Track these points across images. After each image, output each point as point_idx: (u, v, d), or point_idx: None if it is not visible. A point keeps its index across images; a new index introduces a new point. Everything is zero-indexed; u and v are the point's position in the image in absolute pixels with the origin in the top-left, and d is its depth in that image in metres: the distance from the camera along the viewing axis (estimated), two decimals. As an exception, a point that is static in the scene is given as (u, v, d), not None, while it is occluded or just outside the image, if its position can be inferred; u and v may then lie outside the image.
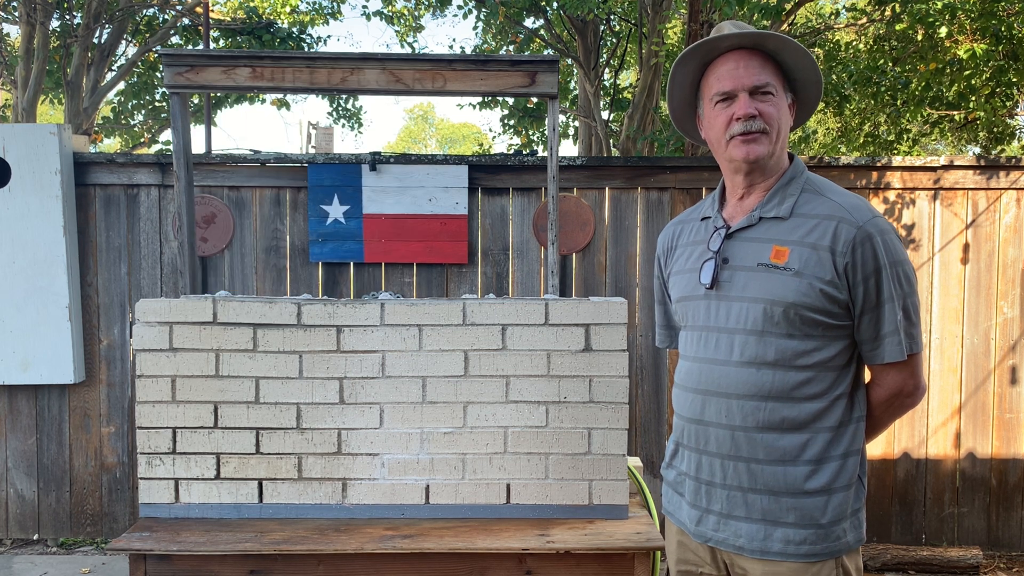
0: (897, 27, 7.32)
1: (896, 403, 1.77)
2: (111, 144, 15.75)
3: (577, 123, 11.81)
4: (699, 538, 1.86)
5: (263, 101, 13.17)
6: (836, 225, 1.68)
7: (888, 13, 7.49)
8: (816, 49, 9.86)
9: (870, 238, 1.66)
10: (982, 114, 7.47)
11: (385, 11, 11.78)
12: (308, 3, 12.15)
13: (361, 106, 12.98)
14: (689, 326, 1.88)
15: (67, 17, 9.69)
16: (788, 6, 6.30)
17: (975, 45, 6.59)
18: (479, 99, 11.34)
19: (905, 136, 9.68)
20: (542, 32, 11.04)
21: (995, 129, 8.90)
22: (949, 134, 10.35)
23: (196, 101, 7.98)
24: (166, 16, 10.73)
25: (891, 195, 4.28)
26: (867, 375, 1.81)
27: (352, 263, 4.29)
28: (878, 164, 4.25)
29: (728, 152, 1.77)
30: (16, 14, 9.38)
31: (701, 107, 1.85)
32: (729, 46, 1.76)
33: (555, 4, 9.35)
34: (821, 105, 9.43)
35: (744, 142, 1.73)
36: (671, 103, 1.91)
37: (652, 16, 8.53)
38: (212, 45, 9.91)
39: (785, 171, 1.79)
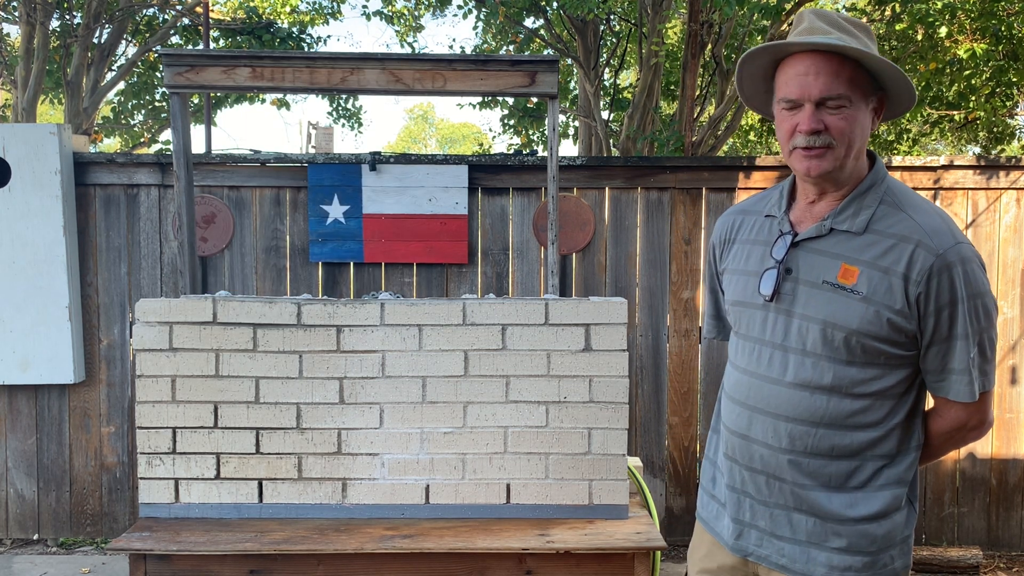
0: (897, 27, 7.32)
1: (958, 436, 1.69)
2: (111, 144, 15.75)
3: (577, 123, 11.81)
4: (738, 552, 1.79)
5: (263, 101, 13.17)
6: (913, 249, 1.55)
7: (888, 13, 7.49)
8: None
9: (949, 268, 1.54)
10: (982, 114, 7.47)
11: (385, 11, 11.78)
12: (308, 3, 12.15)
13: (361, 106, 12.98)
14: (743, 335, 1.78)
15: (67, 17, 9.69)
16: (788, 6, 6.30)
17: (975, 45, 6.60)
18: (479, 99, 11.34)
19: (905, 136, 9.69)
20: (542, 32, 11.04)
21: (995, 129, 8.91)
22: (949, 134, 10.35)
23: (196, 101, 7.98)
24: (166, 16, 10.73)
25: (891, 195, 4.28)
26: (930, 401, 1.72)
27: (352, 263, 4.29)
28: (878, 164, 4.25)
29: (791, 162, 1.65)
30: (16, 14, 9.38)
31: (773, 99, 1.69)
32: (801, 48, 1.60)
33: (555, 4, 9.35)
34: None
35: (806, 157, 1.60)
36: (742, 92, 1.78)
37: (652, 16, 8.53)
38: (212, 45, 9.91)
39: (864, 178, 1.64)
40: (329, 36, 39.99)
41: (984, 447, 4.30)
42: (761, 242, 1.74)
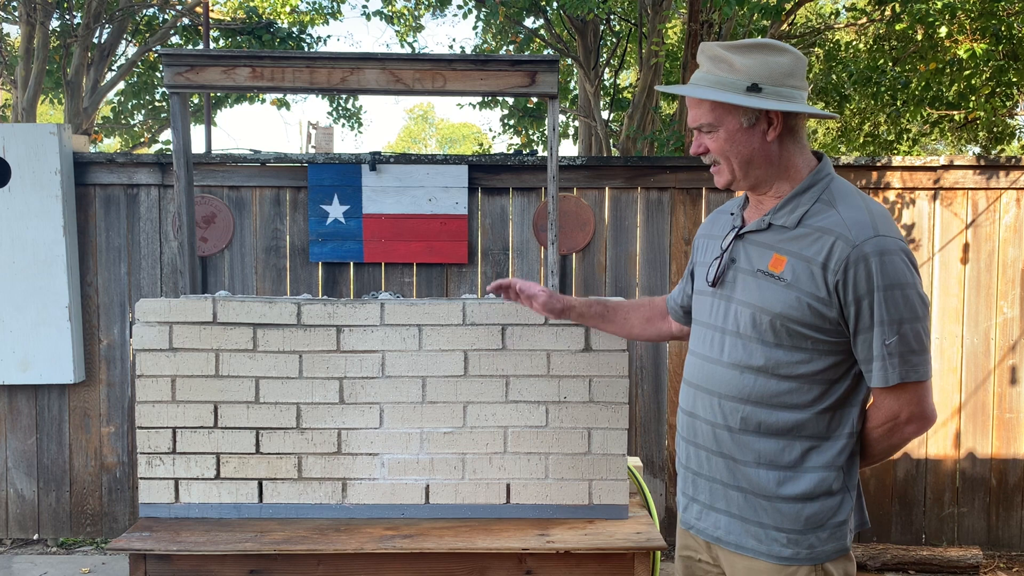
0: (897, 27, 7.32)
1: (890, 428, 1.73)
2: (111, 144, 15.76)
3: (577, 123, 11.82)
4: (685, 525, 1.94)
5: (263, 101, 13.17)
6: (833, 241, 1.66)
7: (888, 13, 7.49)
8: (816, 49, 9.87)
9: (865, 259, 1.63)
10: (982, 114, 7.47)
11: (385, 11, 11.78)
12: (308, 3, 12.15)
13: (361, 106, 12.99)
14: (695, 320, 1.94)
15: (67, 17, 9.69)
16: (788, 6, 6.30)
17: (975, 45, 6.59)
18: (479, 99, 11.34)
19: (905, 136, 9.69)
20: (542, 32, 11.05)
21: (995, 129, 8.91)
22: (949, 134, 10.35)
23: (196, 101, 7.98)
24: (166, 16, 10.74)
25: (891, 195, 4.28)
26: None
27: (352, 263, 4.29)
28: (878, 164, 4.25)
29: None
30: (16, 14, 9.38)
31: None
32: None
33: (555, 4, 9.35)
34: (820, 105, 9.43)
35: (712, 172, 1.83)
36: None
37: (652, 16, 8.53)
38: (212, 45, 9.91)
39: (804, 178, 1.77)
40: (329, 36, 40.01)
41: (984, 447, 4.30)
42: (718, 236, 1.92)
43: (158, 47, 10.05)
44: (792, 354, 1.71)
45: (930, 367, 1.69)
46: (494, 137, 14.70)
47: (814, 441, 1.73)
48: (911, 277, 1.65)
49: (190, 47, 10.53)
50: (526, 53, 10.19)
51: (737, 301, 1.78)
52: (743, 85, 1.72)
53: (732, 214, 1.91)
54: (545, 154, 4.23)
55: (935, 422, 1.74)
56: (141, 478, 2.85)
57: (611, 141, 10.35)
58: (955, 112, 8.18)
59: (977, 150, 11.10)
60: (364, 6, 24.79)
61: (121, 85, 11.39)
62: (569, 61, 10.64)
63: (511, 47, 11.08)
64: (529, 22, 10.87)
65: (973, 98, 7.56)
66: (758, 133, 1.75)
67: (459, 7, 11.04)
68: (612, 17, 10.92)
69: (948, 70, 7.36)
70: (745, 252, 1.80)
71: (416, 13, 12.48)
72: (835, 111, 9.67)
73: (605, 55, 11.38)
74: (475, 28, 11.97)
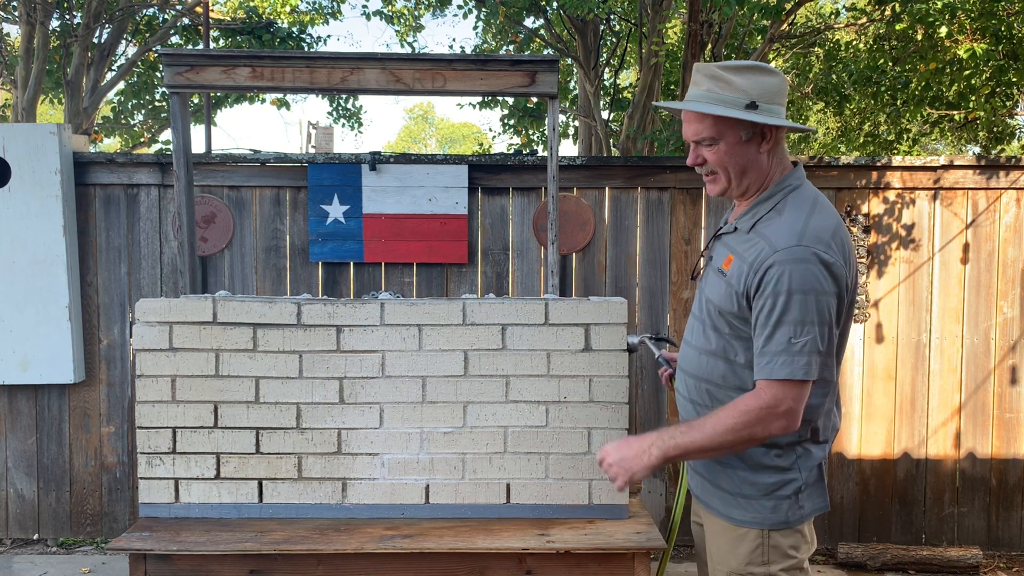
0: (897, 27, 7.32)
1: (745, 408, 1.85)
2: (111, 144, 15.75)
3: (577, 123, 11.81)
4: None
5: (263, 101, 13.17)
6: (762, 247, 1.86)
7: (888, 13, 7.49)
8: (816, 49, 9.87)
9: (775, 265, 1.82)
10: (982, 114, 7.47)
11: (385, 11, 11.78)
12: (308, 3, 12.15)
13: (361, 106, 12.98)
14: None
15: (67, 17, 9.69)
16: (788, 6, 6.30)
17: (975, 45, 6.59)
18: (479, 99, 11.34)
19: (905, 136, 9.68)
20: (542, 32, 11.05)
21: (995, 129, 8.91)
22: (949, 134, 10.36)
23: (196, 101, 7.98)
24: (166, 16, 10.73)
25: (891, 195, 4.28)
26: None
27: (352, 263, 4.29)
28: (878, 164, 4.25)
29: None
30: (16, 14, 9.38)
31: None
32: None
33: (555, 4, 9.35)
34: (820, 105, 9.44)
35: (705, 181, 2.06)
36: None
37: (652, 16, 8.53)
38: (212, 45, 9.90)
39: (769, 187, 1.97)
40: (329, 36, 40.00)
41: (984, 447, 4.30)
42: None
43: (158, 47, 10.05)
44: (733, 342, 1.95)
45: (812, 370, 1.82)
46: (494, 137, 14.69)
47: None
48: (818, 285, 1.81)
49: (190, 47, 10.52)
50: (526, 53, 10.18)
51: (704, 292, 2.04)
52: (743, 103, 1.90)
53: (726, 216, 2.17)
54: (545, 154, 4.22)
55: (793, 428, 1.86)
56: (141, 478, 2.85)
57: (611, 141, 10.35)
58: (955, 112, 8.18)
59: (977, 150, 11.11)
60: (364, 6, 24.79)
61: (121, 85, 11.38)
62: (569, 61, 10.64)
63: (511, 47, 11.08)
64: (529, 22, 10.86)
65: (973, 98, 7.56)
66: (753, 146, 1.95)
67: (459, 7, 11.04)
68: (612, 17, 10.91)
69: (948, 70, 7.36)
70: (716, 251, 2.05)
71: (416, 13, 12.48)
72: (835, 111, 9.67)
73: (605, 55, 11.38)
74: (475, 28, 11.96)
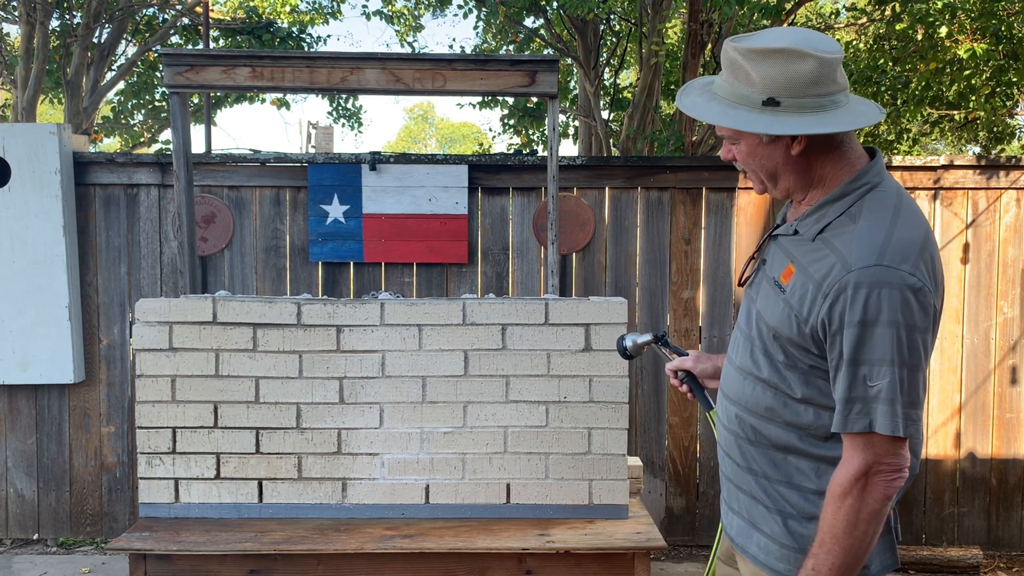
0: (897, 27, 7.32)
1: (842, 491, 1.51)
2: (111, 144, 15.76)
3: (577, 123, 11.81)
4: (723, 528, 1.86)
5: (263, 101, 13.17)
6: (834, 264, 1.51)
7: (888, 13, 7.49)
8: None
9: (847, 289, 1.47)
10: (982, 114, 7.47)
11: (385, 11, 11.78)
12: (308, 3, 12.15)
13: (361, 106, 12.98)
14: None
15: (67, 17, 9.69)
16: (788, 6, 6.31)
17: (975, 45, 6.59)
18: (479, 99, 11.34)
19: (905, 136, 9.68)
20: (542, 32, 11.04)
21: (995, 129, 8.91)
22: (949, 134, 10.36)
23: (196, 101, 7.98)
24: (166, 16, 10.74)
25: (891, 195, 4.28)
26: None
27: (352, 263, 4.29)
28: (878, 164, 4.25)
29: None
30: (16, 14, 9.38)
31: None
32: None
33: (555, 4, 9.35)
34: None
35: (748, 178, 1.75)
36: None
37: (652, 16, 8.53)
38: (212, 45, 9.91)
39: (840, 184, 1.61)
40: (329, 36, 39.98)
41: (984, 447, 4.30)
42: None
43: (158, 47, 10.05)
44: (787, 373, 1.61)
45: (913, 424, 1.49)
46: (494, 137, 14.69)
47: (810, 463, 1.62)
48: (907, 318, 1.46)
49: (190, 47, 10.53)
50: (526, 53, 10.19)
51: (756, 306, 1.69)
52: (759, 100, 1.58)
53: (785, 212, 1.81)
54: (545, 154, 4.23)
55: (906, 477, 1.55)
56: (141, 478, 2.85)
57: (611, 141, 10.35)
58: (955, 112, 8.18)
59: (977, 150, 11.11)
60: (364, 6, 24.80)
61: (121, 85, 11.39)
62: (569, 61, 10.64)
63: (511, 47, 11.07)
64: (529, 22, 10.86)
65: (973, 98, 7.56)
66: (781, 147, 1.62)
67: (459, 7, 11.04)
68: (612, 17, 10.91)
69: (948, 70, 7.36)
70: (772, 255, 1.70)
71: (416, 13, 12.48)
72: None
73: (605, 55, 11.38)
74: (475, 28, 11.97)
